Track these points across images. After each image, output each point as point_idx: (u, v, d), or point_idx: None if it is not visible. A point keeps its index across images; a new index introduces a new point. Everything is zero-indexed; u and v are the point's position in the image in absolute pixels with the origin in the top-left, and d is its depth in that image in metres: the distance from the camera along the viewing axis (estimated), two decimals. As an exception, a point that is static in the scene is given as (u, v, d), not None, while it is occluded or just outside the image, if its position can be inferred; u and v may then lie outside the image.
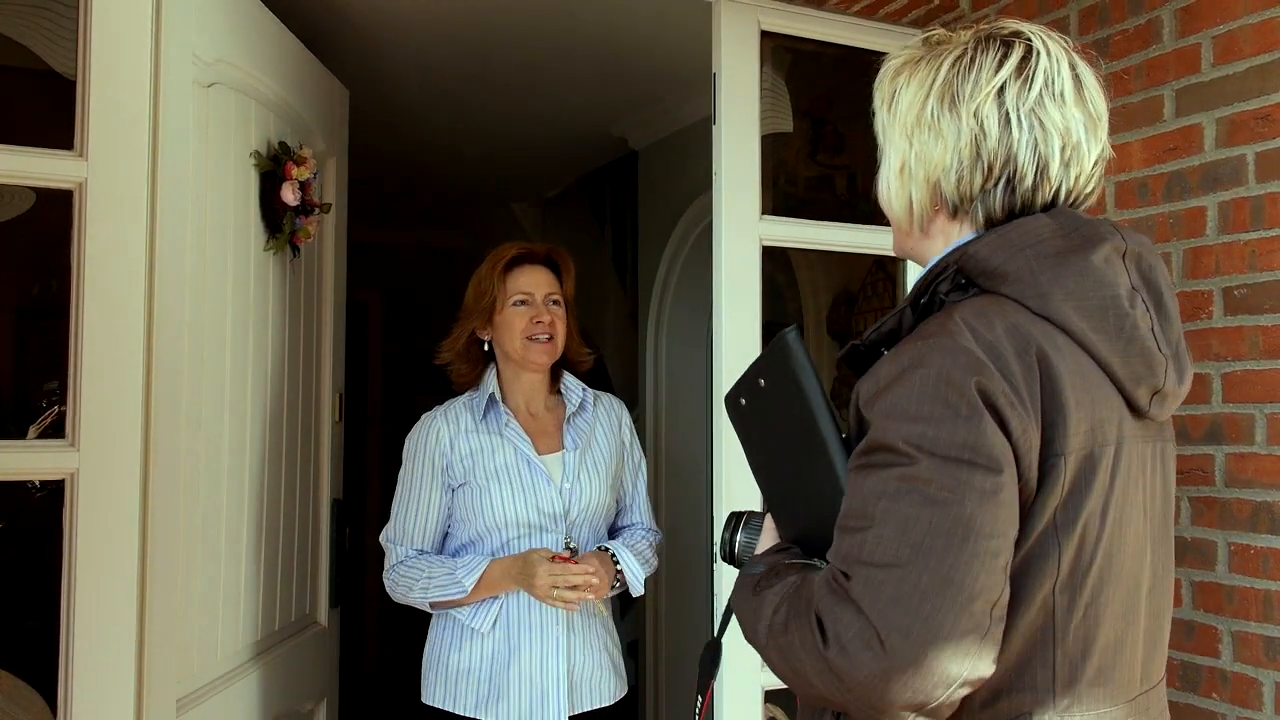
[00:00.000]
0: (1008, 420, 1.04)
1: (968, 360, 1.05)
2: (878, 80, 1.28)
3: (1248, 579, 2.03)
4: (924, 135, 1.20)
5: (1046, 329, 1.11)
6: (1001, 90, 1.16)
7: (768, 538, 1.30)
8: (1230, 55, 2.07)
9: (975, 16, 2.61)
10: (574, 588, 2.15)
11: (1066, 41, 1.22)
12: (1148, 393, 1.17)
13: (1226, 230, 2.09)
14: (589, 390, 2.46)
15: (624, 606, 2.32)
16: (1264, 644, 1.99)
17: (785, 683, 1.12)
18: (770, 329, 2.65)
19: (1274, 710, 1.97)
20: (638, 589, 2.36)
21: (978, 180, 1.18)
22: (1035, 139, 1.17)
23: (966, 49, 1.20)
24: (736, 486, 2.44)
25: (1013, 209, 1.19)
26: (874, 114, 1.29)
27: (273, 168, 2.36)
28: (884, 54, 1.29)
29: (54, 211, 1.86)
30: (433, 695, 2.28)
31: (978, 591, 1.00)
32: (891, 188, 1.26)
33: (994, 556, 1.01)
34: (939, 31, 1.26)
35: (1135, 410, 1.17)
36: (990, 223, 1.20)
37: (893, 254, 1.41)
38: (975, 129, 1.17)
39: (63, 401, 1.85)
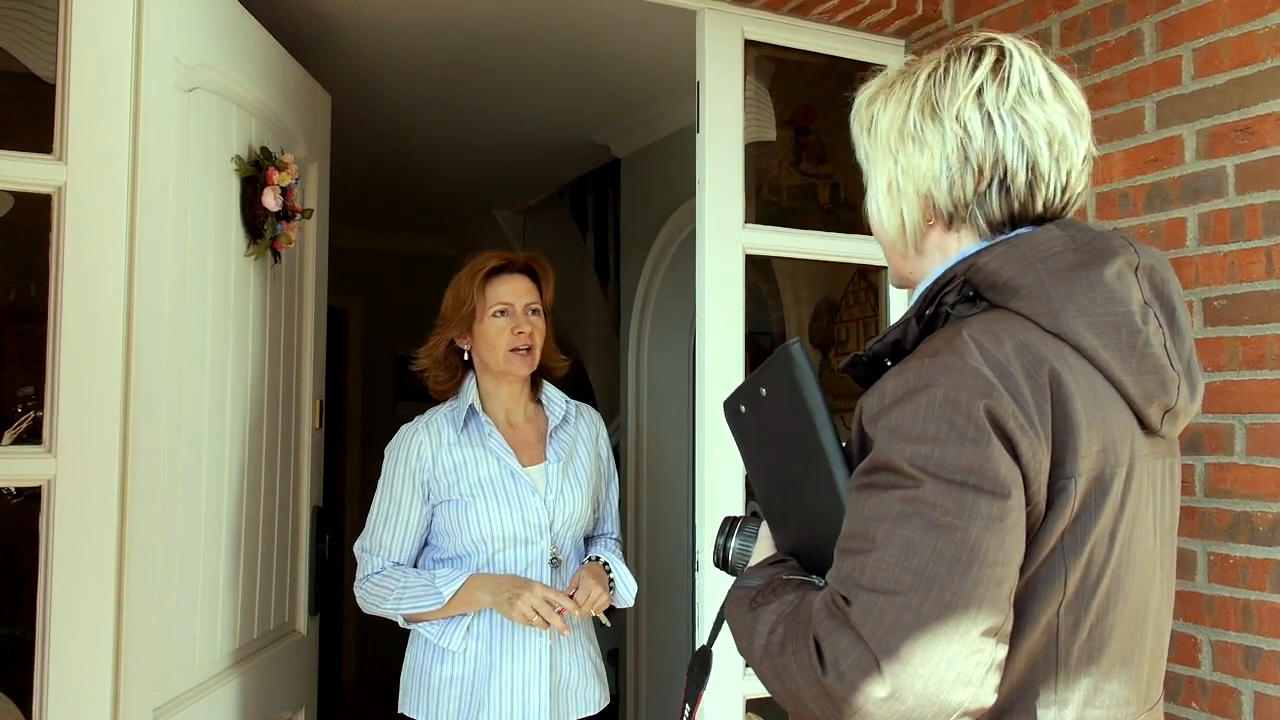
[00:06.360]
0: (1017, 443, 1.01)
1: (975, 381, 1.01)
2: (854, 111, 1.27)
3: (1227, 588, 2.04)
4: (908, 148, 1.19)
5: (1058, 346, 1.08)
6: (980, 91, 1.15)
7: (764, 546, 1.27)
8: (1210, 68, 2.09)
9: (958, 27, 2.62)
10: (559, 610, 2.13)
11: (1036, 47, 1.21)
12: (1160, 411, 1.15)
13: (1206, 241, 2.10)
14: (571, 402, 2.45)
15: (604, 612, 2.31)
16: (1243, 654, 2.00)
17: (779, 702, 1.10)
18: (753, 338, 2.65)
19: None
20: (627, 601, 2.36)
21: (969, 184, 1.16)
22: (1020, 136, 1.15)
23: (939, 62, 1.20)
24: (719, 494, 2.44)
25: (1013, 211, 1.17)
26: (855, 144, 1.28)
27: (254, 173, 2.35)
28: (868, 64, 1.29)
29: (33, 215, 1.85)
30: (413, 706, 2.26)
31: (981, 620, 0.97)
32: (882, 209, 1.24)
33: (998, 584, 0.98)
34: (910, 58, 1.26)
35: (1146, 428, 1.15)
36: (992, 228, 1.18)
37: (876, 264, 1.40)
38: (960, 133, 1.15)
39: (40, 407, 1.83)
